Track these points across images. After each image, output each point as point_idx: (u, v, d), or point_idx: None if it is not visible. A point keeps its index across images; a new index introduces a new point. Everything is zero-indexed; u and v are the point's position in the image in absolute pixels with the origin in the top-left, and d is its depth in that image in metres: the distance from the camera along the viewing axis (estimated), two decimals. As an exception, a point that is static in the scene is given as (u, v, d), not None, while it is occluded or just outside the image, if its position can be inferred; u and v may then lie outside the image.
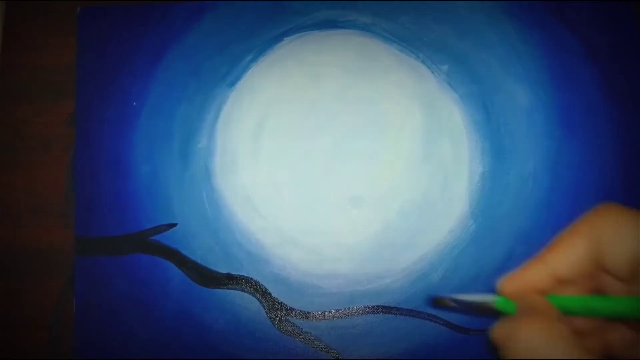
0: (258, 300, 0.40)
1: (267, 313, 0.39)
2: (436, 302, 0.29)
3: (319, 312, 0.39)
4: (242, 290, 0.40)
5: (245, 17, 0.43)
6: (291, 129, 0.41)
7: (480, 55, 0.41)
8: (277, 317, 0.39)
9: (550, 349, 0.22)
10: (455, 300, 0.28)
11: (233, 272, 0.40)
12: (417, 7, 0.42)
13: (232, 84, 0.42)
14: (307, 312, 0.39)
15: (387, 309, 0.39)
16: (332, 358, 0.39)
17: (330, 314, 0.39)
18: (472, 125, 0.41)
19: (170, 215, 0.41)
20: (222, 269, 0.40)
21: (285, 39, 0.43)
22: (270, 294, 0.40)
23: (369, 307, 0.39)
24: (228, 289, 0.40)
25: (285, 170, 0.41)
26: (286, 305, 0.39)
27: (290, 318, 0.39)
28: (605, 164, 0.39)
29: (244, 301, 0.40)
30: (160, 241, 0.41)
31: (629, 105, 0.40)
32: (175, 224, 0.41)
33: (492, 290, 0.27)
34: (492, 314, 0.26)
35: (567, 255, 0.24)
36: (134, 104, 0.42)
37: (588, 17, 0.41)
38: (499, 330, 0.24)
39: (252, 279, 0.40)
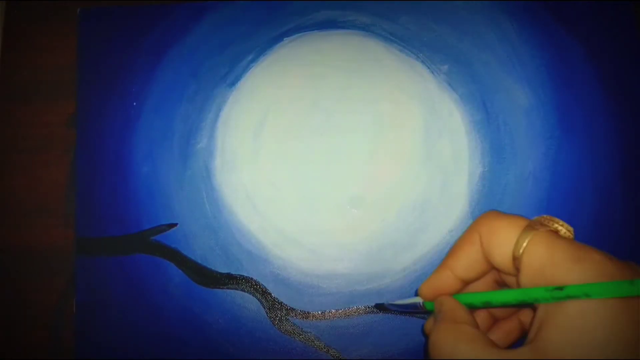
0: (258, 300, 0.40)
1: (267, 313, 0.39)
2: (377, 307, 0.37)
3: (319, 312, 0.39)
4: (242, 290, 0.40)
5: (245, 17, 0.43)
6: (291, 129, 0.41)
7: (480, 55, 0.41)
8: (277, 317, 0.39)
9: (456, 350, 0.25)
10: (392, 305, 0.34)
11: (233, 272, 0.40)
12: (417, 7, 0.42)
13: (232, 84, 0.42)
14: (307, 312, 0.39)
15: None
16: (332, 358, 0.39)
17: (330, 314, 0.39)
18: (472, 125, 0.41)
19: (170, 215, 0.41)
20: (222, 269, 0.40)
21: (285, 39, 0.43)
22: (270, 293, 0.40)
23: (369, 307, 0.39)
24: (228, 289, 0.40)
25: (285, 170, 0.41)
26: (286, 305, 0.39)
27: (290, 318, 0.39)
28: (604, 163, 0.40)
29: (244, 301, 0.40)
30: (161, 241, 0.41)
31: (628, 105, 0.40)
32: (175, 224, 0.41)
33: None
34: (424, 312, 0.31)
35: (464, 260, 0.28)
36: (134, 104, 0.42)
37: (587, 17, 0.41)
38: (426, 326, 0.29)
39: (252, 278, 0.40)
